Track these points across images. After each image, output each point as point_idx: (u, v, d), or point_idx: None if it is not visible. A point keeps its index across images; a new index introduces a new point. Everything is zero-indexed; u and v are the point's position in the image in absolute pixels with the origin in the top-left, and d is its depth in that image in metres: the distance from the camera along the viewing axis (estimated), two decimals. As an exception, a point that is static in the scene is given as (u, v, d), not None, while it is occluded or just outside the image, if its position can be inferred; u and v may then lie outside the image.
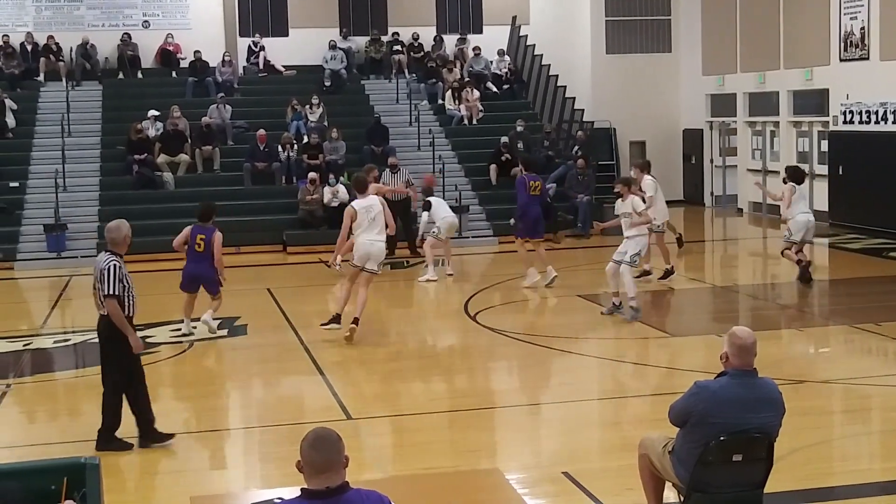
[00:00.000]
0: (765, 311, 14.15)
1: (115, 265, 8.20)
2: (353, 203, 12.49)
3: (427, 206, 17.31)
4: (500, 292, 15.68)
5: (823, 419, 9.17)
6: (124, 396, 8.51)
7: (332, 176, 21.08)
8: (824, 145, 22.36)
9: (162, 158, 21.97)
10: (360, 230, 12.19)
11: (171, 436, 8.53)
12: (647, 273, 15.58)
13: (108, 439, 8.43)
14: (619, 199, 13.52)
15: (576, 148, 23.18)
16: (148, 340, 12.63)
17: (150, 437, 8.48)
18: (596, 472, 7.73)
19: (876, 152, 20.29)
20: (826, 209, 22.04)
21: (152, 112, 22.65)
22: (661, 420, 6.11)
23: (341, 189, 20.78)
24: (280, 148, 22.13)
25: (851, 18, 21.04)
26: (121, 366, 8.40)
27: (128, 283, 8.28)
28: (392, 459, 8.30)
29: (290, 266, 19.06)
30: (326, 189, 20.69)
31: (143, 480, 8.12)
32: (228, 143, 23.05)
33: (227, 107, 23.57)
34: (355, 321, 12.15)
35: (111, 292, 8.15)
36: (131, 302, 8.33)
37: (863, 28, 20.73)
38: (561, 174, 22.14)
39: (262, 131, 22.15)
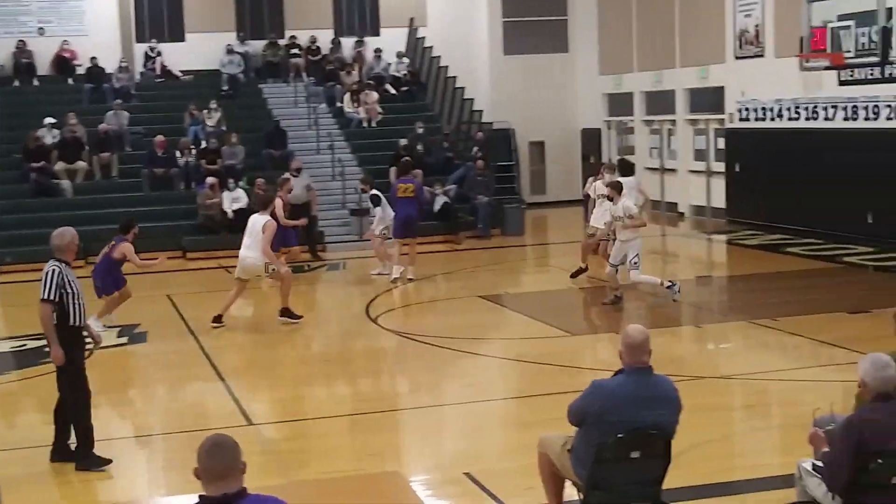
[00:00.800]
0: (664, 309, 14.32)
1: (54, 270, 7.92)
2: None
3: (377, 202, 16.76)
4: (400, 294, 15.63)
5: (722, 415, 9.30)
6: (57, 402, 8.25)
7: (231, 181, 20.80)
8: (721, 143, 22.79)
9: (59, 166, 21.53)
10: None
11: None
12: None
13: (87, 455, 8.15)
14: (611, 203, 13.77)
15: (475, 149, 23.27)
16: (46, 350, 12.32)
17: (60, 453, 8.23)
18: (497, 472, 7.73)
19: (771, 149, 20.74)
20: (724, 206, 22.50)
21: (49, 119, 22.17)
22: (560, 419, 6.12)
23: (241, 194, 20.53)
24: (178, 153, 21.81)
25: (746, 16, 21.47)
26: (78, 374, 8.12)
27: (73, 289, 7.98)
28: (294, 464, 8.20)
29: (190, 272, 18.75)
30: (226, 194, 20.43)
31: (45, 491, 7.89)
32: (126, 150, 22.69)
33: (125, 113, 23.19)
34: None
35: (46, 297, 7.87)
36: (78, 310, 8.04)
37: (757, 25, 21.16)
38: (461, 175, 22.20)
39: (160, 137, 21.80)
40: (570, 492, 6.26)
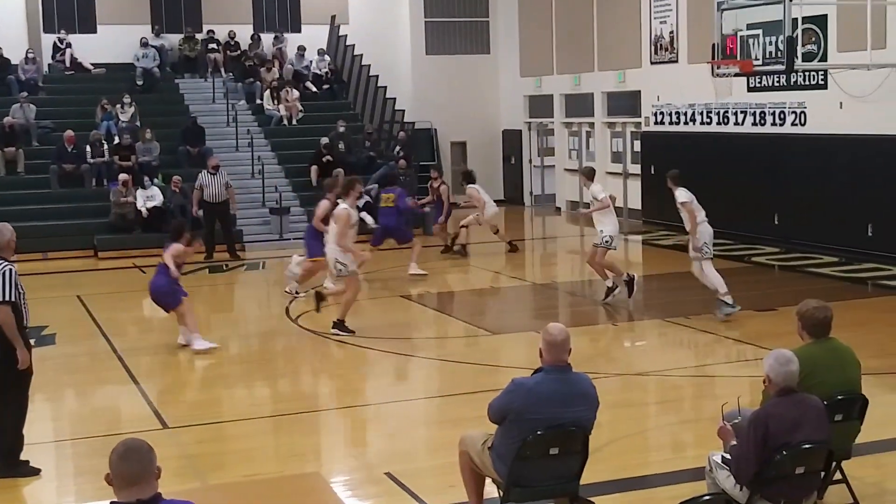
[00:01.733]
0: (582, 308, 14.48)
1: (10, 270, 7.55)
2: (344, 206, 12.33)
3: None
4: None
5: (638, 410, 9.43)
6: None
7: (146, 178, 20.46)
8: (637, 145, 23.11)
9: (-38, 161, 20.91)
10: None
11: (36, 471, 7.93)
12: None
13: (14, 464, 7.84)
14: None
15: (397, 148, 23.24)
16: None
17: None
18: (418, 471, 7.73)
19: (684, 152, 21.06)
20: (639, 207, 22.81)
21: (-50, 112, 21.54)
22: (481, 417, 6.15)
23: (156, 191, 20.21)
24: (89, 149, 21.33)
25: (661, 22, 21.83)
26: (18, 380, 7.78)
27: (23, 289, 7.68)
28: (212, 467, 8.08)
29: (102, 272, 18.41)
30: (140, 192, 20.09)
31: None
32: (33, 145, 22.14)
33: (32, 106, 22.62)
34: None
35: (7, 298, 7.49)
36: (27, 310, 7.76)
37: (672, 32, 21.53)
38: (383, 175, 22.12)
39: (69, 132, 21.29)
40: (491, 489, 6.28)
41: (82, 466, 8.27)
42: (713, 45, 16.55)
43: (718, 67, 16.53)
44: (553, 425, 5.75)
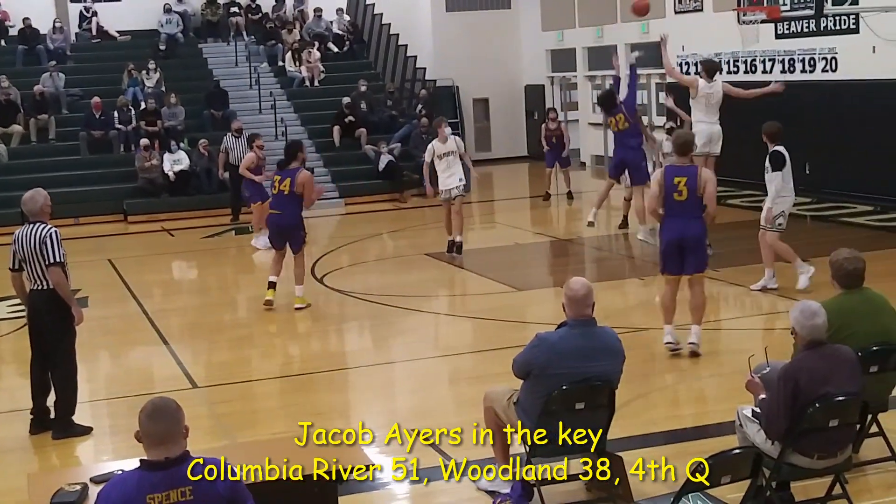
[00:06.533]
0: (608, 262, 14.46)
1: (55, 231, 7.76)
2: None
3: None
4: (347, 254, 15.59)
5: (665, 364, 9.39)
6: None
7: (172, 142, 20.52)
8: (662, 97, 22.88)
9: (-7, 130, 21.06)
10: None
11: (87, 429, 8.12)
12: None
13: (70, 423, 8.03)
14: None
15: (419, 107, 23.17)
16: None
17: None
18: (444, 427, 7.75)
19: (711, 102, 20.83)
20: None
21: (-20, 82, 21.62)
22: (506, 373, 6.16)
23: (182, 155, 20.27)
24: (116, 115, 21.42)
25: (684, -30, 21.56)
26: (72, 340, 8.01)
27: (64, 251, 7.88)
28: (240, 426, 8.18)
29: (131, 236, 18.55)
30: (167, 156, 20.16)
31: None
32: (63, 112, 22.27)
33: (61, 75, 22.75)
34: None
35: (58, 259, 7.70)
36: (68, 272, 7.92)
37: (695, -21, 21.25)
38: (405, 134, 22.11)
39: (96, 99, 21.40)
40: (516, 444, 6.30)
41: (117, 426, 8.40)
42: (738, -10, 16.34)
43: (745, 14, 16.30)
44: (578, 380, 5.75)
